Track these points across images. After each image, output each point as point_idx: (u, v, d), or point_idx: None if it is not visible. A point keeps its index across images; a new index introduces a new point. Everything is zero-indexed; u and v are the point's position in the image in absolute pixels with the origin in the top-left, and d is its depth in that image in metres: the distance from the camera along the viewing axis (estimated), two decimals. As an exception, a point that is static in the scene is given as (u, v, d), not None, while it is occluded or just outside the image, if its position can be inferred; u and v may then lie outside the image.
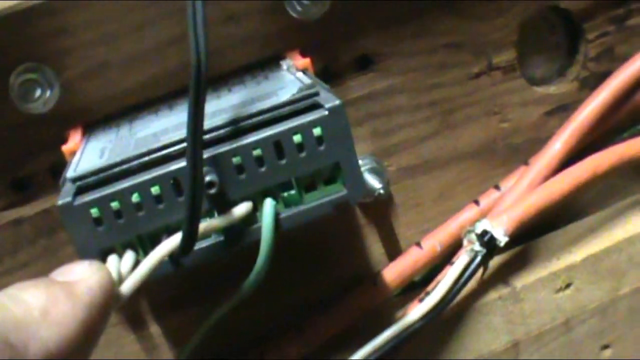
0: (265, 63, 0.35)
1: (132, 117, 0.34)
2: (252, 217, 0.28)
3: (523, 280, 0.38)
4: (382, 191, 0.35)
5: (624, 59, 0.39)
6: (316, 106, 0.28)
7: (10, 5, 0.31)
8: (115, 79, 0.33)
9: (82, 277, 0.23)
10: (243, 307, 0.31)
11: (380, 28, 0.36)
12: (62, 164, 0.32)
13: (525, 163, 0.39)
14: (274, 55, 0.35)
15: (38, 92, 0.32)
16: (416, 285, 0.39)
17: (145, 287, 0.27)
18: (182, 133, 0.28)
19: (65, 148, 0.32)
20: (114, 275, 0.26)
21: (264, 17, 0.34)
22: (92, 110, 0.34)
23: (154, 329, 0.38)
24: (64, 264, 0.34)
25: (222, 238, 0.28)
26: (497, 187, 0.39)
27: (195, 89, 0.25)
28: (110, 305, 0.24)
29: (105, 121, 0.34)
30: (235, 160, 0.27)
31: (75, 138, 0.33)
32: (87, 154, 0.30)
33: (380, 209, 0.39)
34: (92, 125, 0.34)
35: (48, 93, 0.32)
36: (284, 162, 0.27)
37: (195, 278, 0.36)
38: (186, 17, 0.26)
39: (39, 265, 0.35)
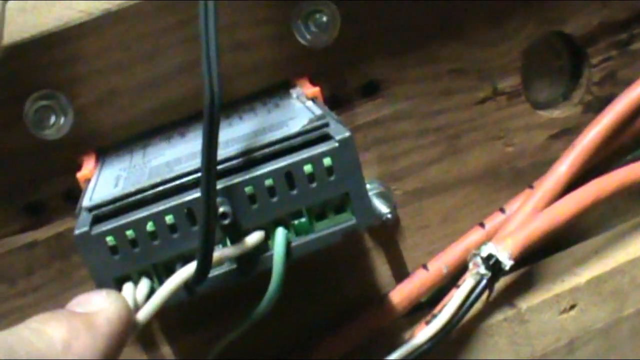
0: (276, 90, 0.35)
1: (145, 143, 0.34)
2: (264, 246, 0.29)
3: (528, 302, 0.39)
4: (389, 216, 0.36)
5: (627, 83, 0.39)
6: (326, 137, 0.28)
7: (26, 35, 0.32)
8: (128, 106, 0.34)
9: (100, 308, 0.24)
10: (251, 329, 0.32)
11: (387, 55, 0.36)
12: (75, 188, 0.33)
13: (530, 186, 0.39)
14: (283, 82, 0.35)
15: (52, 119, 0.33)
16: (423, 306, 0.40)
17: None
18: (195, 163, 0.29)
19: (80, 175, 0.32)
20: (130, 303, 0.26)
21: (273, 45, 0.35)
22: (105, 136, 0.34)
23: (166, 350, 0.38)
24: (78, 287, 0.36)
25: (235, 266, 0.29)
26: (502, 210, 0.39)
27: (209, 124, 0.25)
28: (128, 334, 0.25)
29: (118, 147, 0.35)
30: (248, 190, 0.28)
31: (89, 164, 0.34)
32: (101, 182, 0.31)
33: (388, 232, 0.39)
34: (105, 150, 0.35)
35: (62, 120, 0.33)
36: (295, 192, 0.28)
37: (206, 301, 0.37)
38: (196, 45, 0.26)
39: (53, 287, 0.36)
